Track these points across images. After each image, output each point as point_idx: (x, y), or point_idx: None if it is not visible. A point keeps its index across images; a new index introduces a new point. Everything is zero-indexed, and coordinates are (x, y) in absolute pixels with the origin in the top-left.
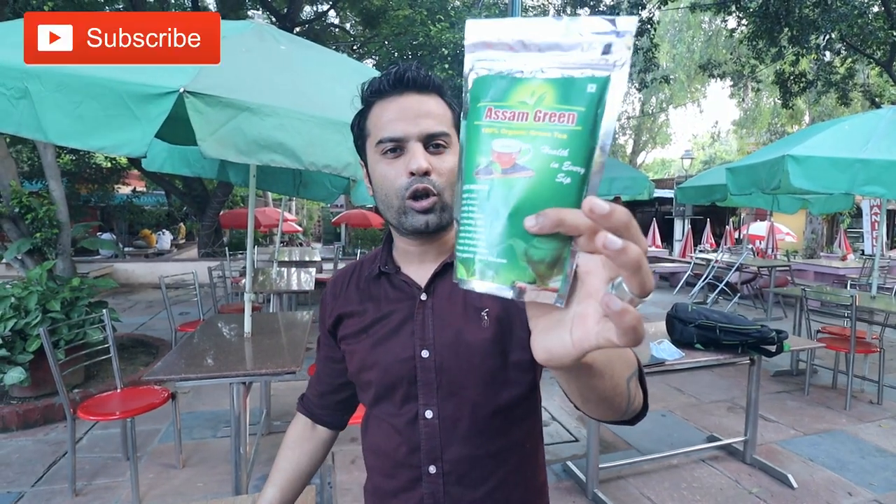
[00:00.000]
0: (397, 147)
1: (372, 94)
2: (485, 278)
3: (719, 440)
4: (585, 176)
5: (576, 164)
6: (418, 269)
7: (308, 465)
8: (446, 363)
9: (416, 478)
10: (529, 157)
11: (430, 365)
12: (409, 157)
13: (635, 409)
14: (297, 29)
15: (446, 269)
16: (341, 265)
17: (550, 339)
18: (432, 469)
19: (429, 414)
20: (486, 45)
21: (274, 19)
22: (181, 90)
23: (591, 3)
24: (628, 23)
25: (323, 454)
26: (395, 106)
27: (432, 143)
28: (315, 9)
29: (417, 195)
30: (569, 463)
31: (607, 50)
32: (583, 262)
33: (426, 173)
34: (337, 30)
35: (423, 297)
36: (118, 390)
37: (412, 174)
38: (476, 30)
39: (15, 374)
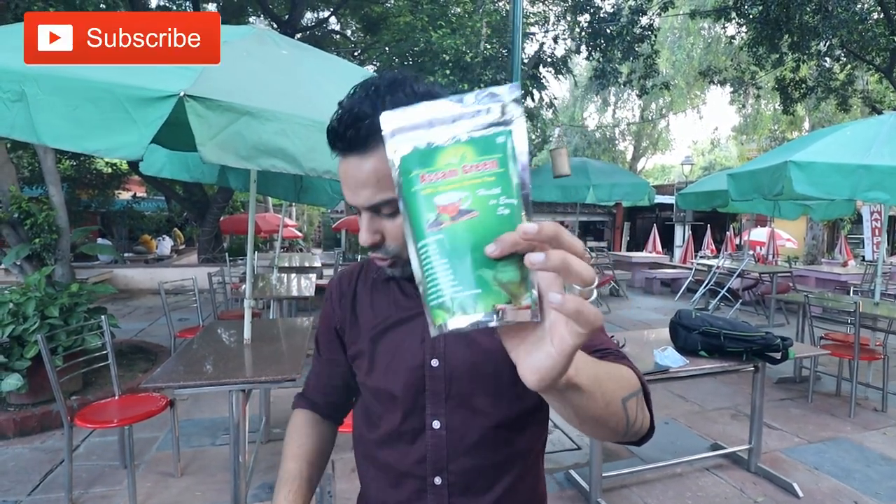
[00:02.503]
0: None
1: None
2: (466, 311)
3: (723, 448)
4: (519, 204)
5: (509, 197)
6: None
7: (321, 444)
8: (456, 373)
9: (420, 489)
10: (470, 202)
11: (440, 374)
12: (361, 228)
13: (638, 431)
14: (299, 35)
15: None
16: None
17: (536, 358)
18: (437, 480)
19: (436, 424)
20: (402, 129)
21: (275, 25)
22: (181, 94)
23: (591, 11)
24: (513, 90)
25: (331, 441)
26: (343, 170)
27: (380, 210)
28: (316, 15)
29: (376, 261)
30: (572, 471)
31: (503, 111)
32: (540, 277)
33: (375, 245)
34: (338, 36)
35: None
36: (116, 397)
37: None
38: (391, 120)
39: (12, 381)
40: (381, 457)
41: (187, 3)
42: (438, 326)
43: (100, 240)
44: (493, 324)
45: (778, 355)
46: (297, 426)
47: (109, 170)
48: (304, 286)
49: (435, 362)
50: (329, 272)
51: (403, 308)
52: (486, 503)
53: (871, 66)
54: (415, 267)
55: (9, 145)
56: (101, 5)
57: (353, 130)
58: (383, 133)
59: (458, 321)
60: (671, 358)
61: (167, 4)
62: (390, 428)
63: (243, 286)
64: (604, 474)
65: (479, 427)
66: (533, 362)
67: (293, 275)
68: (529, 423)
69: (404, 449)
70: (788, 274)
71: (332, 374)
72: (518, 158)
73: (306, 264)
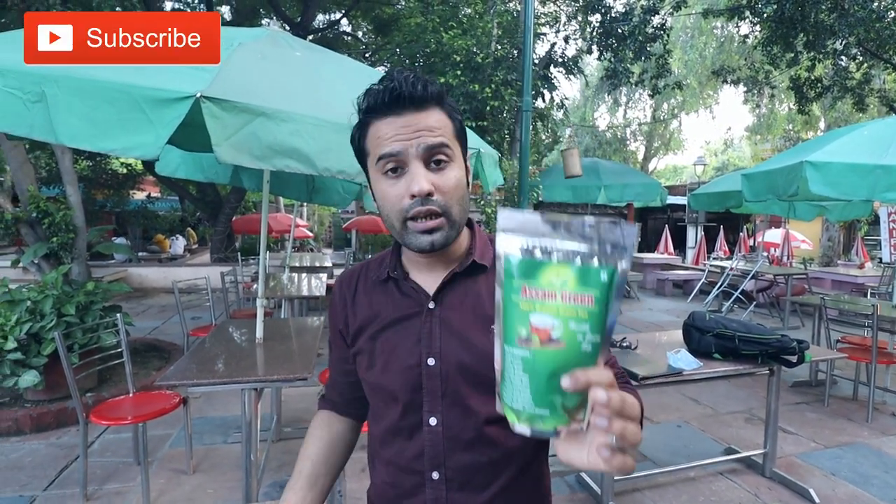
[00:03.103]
0: (398, 166)
1: (368, 114)
2: (533, 425)
3: (737, 452)
4: (602, 341)
5: (594, 335)
6: (427, 276)
7: (333, 442)
8: (452, 372)
9: (419, 483)
10: (561, 333)
11: (436, 373)
12: (410, 178)
13: None
14: (310, 36)
15: (456, 279)
16: None
17: (573, 453)
18: (435, 475)
19: (433, 421)
20: (516, 230)
21: (288, 27)
22: (198, 95)
23: (602, 10)
24: (632, 233)
25: (348, 438)
26: (394, 124)
27: (433, 158)
28: (328, 17)
29: (419, 217)
30: (583, 474)
31: (614, 247)
32: (595, 406)
33: (429, 194)
34: (349, 37)
35: (431, 305)
36: (130, 395)
37: (413, 196)
38: (508, 218)
39: (29, 378)
40: (383, 452)
41: (201, 6)
42: (503, 412)
43: (119, 239)
44: (552, 437)
45: (794, 358)
46: (312, 427)
47: (125, 170)
48: (315, 286)
49: (431, 361)
50: (339, 272)
51: (401, 307)
52: (485, 499)
53: (888, 65)
54: (497, 357)
55: (27, 146)
56: (117, 7)
57: (413, 88)
58: (498, 226)
59: (523, 428)
60: (684, 360)
61: (181, 7)
62: (390, 424)
63: (255, 285)
64: (615, 478)
65: (473, 424)
66: (569, 454)
67: (304, 274)
68: None
69: (403, 444)
70: (804, 276)
71: (344, 372)
72: (613, 299)
73: (317, 264)
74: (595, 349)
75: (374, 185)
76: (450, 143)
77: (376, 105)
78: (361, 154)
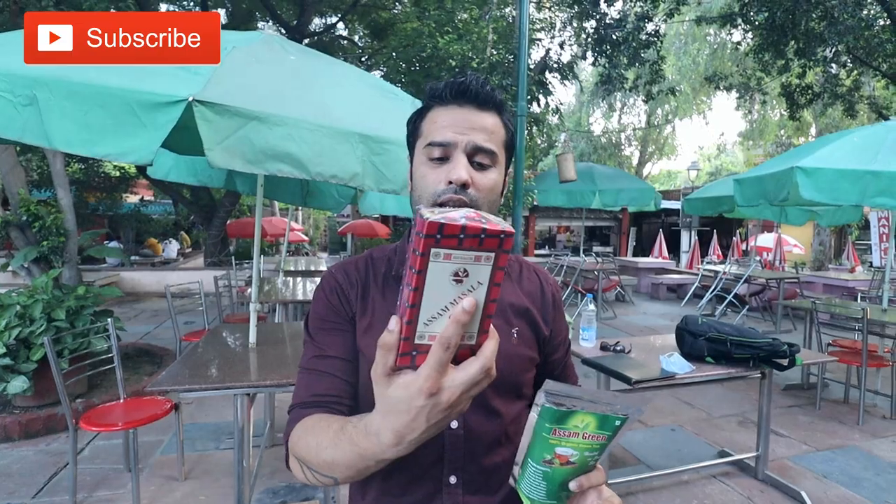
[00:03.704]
0: (443, 156)
1: (432, 98)
2: None
3: (730, 455)
4: (601, 456)
5: (599, 455)
6: None
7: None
8: None
9: (435, 490)
10: (577, 458)
11: None
12: (451, 166)
13: None
14: (307, 41)
15: None
16: None
17: None
18: (453, 479)
19: (454, 424)
20: (556, 395)
21: (283, 31)
22: (190, 99)
23: (597, 17)
24: (640, 412)
25: None
26: (452, 115)
27: (477, 158)
28: (324, 21)
29: (449, 204)
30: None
31: (629, 409)
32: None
33: (465, 186)
34: (345, 42)
35: None
36: (121, 401)
37: (450, 183)
38: (552, 386)
39: (18, 384)
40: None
41: (196, 8)
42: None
43: (111, 243)
44: None
45: (785, 362)
46: (312, 422)
47: (117, 173)
48: (310, 290)
49: None
50: None
51: None
52: (499, 499)
53: (877, 72)
54: (520, 454)
55: (18, 149)
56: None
57: (480, 87)
58: (543, 389)
59: None
60: (677, 364)
61: (176, 10)
62: None
63: (249, 290)
64: (609, 481)
65: (497, 426)
66: None
67: (299, 279)
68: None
69: (420, 449)
70: (795, 280)
71: (348, 370)
72: (619, 436)
73: (312, 268)
74: (596, 462)
75: (415, 167)
76: (497, 151)
77: (442, 93)
78: (413, 135)
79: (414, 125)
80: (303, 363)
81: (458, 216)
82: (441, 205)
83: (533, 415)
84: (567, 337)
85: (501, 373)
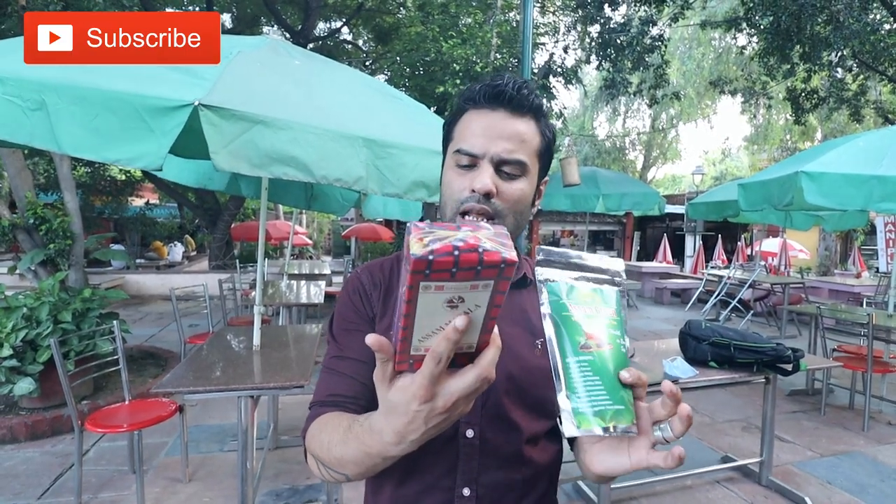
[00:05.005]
0: (470, 164)
1: (466, 101)
2: (613, 421)
3: (734, 461)
4: (628, 344)
5: (624, 339)
6: None
7: None
8: (496, 383)
9: (447, 501)
10: (606, 337)
11: None
12: (475, 174)
13: None
14: (311, 45)
15: None
16: None
17: (610, 460)
18: (466, 491)
19: (470, 433)
20: (551, 262)
21: (288, 35)
22: (196, 103)
23: (601, 21)
24: (622, 265)
25: None
26: (483, 121)
27: (504, 168)
28: (329, 25)
29: (472, 213)
30: (580, 482)
31: (615, 275)
32: (638, 410)
33: (488, 195)
34: (350, 46)
35: None
36: (126, 402)
37: (473, 191)
38: (543, 252)
39: (25, 385)
40: (401, 467)
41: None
42: (580, 430)
43: (116, 246)
44: (627, 433)
45: (789, 367)
46: (325, 420)
47: (123, 177)
48: (314, 293)
49: None
50: (338, 279)
51: None
52: None
53: (883, 77)
54: (559, 375)
55: (25, 152)
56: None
57: (516, 92)
58: (537, 258)
59: (598, 429)
60: (681, 368)
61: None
62: None
63: (253, 293)
64: (612, 486)
65: (515, 440)
66: (606, 463)
67: (303, 282)
68: (554, 440)
69: (432, 457)
70: (801, 285)
71: (361, 373)
72: (623, 311)
73: (316, 271)
74: (627, 351)
75: (444, 170)
76: (527, 161)
77: (476, 95)
78: (446, 138)
79: (448, 128)
80: (324, 362)
81: (453, 246)
82: (464, 213)
83: (545, 311)
84: None
85: (521, 385)
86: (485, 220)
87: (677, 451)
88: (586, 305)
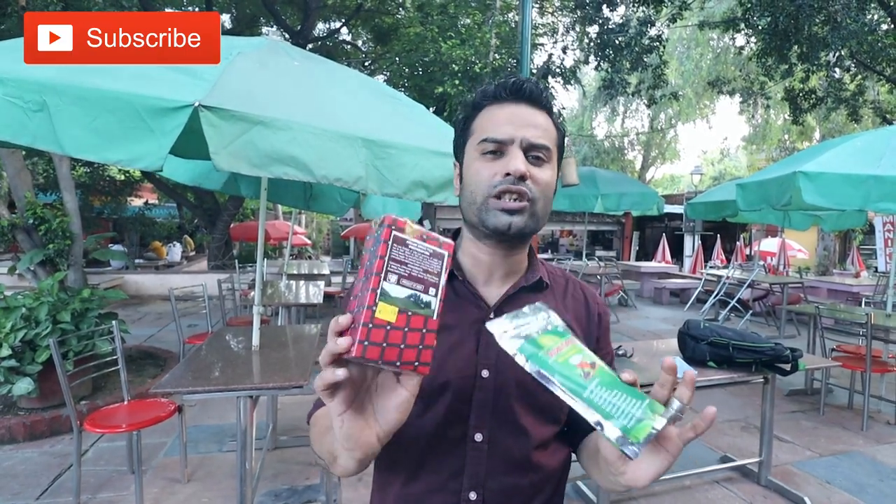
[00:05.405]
0: (498, 150)
1: (485, 98)
2: (657, 411)
3: (733, 461)
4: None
5: (594, 358)
6: (486, 281)
7: None
8: (506, 387)
9: (453, 503)
10: (589, 363)
11: (489, 385)
12: (507, 160)
13: None
14: (310, 45)
15: (519, 293)
16: (350, 279)
17: (653, 463)
18: (473, 495)
19: (478, 437)
20: (508, 331)
21: (287, 36)
22: (196, 104)
23: (600, 22)
24: (548, 309)
25: None
26: (507, 111)
27: (532, 153)
28: (328, 26)
29: (503, 194)
30: (579, 483)
31: (549, 317)
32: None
33: (522, 178)
34: (349, 46)
35: (493, 316)
36: (125, 403)
37: (507, 175)
38: (498, 325)
39: (23, 385)
40: (408, 469)
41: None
42: (642, 440)
43: (115, 246)
44: (677, 412)
45: (788, 367)
46: (320, 414)
47: (122, 177)
48: (313, 293)
49: (485, 373)
50: (337, 280)
51: (457, 311)
52: None
53: (881, 77)
54: (587, 413)
55: (24, 153)
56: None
57: (535, 87)
58: (498, 334)
59: (652, 427)
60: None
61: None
62: (424, 434)
63: (252, 293)
64: None
65: (523, 445)
66: (652, 468)
67: (302, 282)
68: (562, 445)
69: (439, 460)
70: (799, 285)
71: None
72: (567, 330)
73: (315, 272)
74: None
75: (467, 164)
76: (551, 148)
77: (496, 92)
78: (462, 136)
79: (463, 126)
80: None
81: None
82: (498, 196)
83: (531, 369)
84: (612, 360)
85: (531, 390)
86: (521, 199)
87: (709, 411)
88: (554, 346)
